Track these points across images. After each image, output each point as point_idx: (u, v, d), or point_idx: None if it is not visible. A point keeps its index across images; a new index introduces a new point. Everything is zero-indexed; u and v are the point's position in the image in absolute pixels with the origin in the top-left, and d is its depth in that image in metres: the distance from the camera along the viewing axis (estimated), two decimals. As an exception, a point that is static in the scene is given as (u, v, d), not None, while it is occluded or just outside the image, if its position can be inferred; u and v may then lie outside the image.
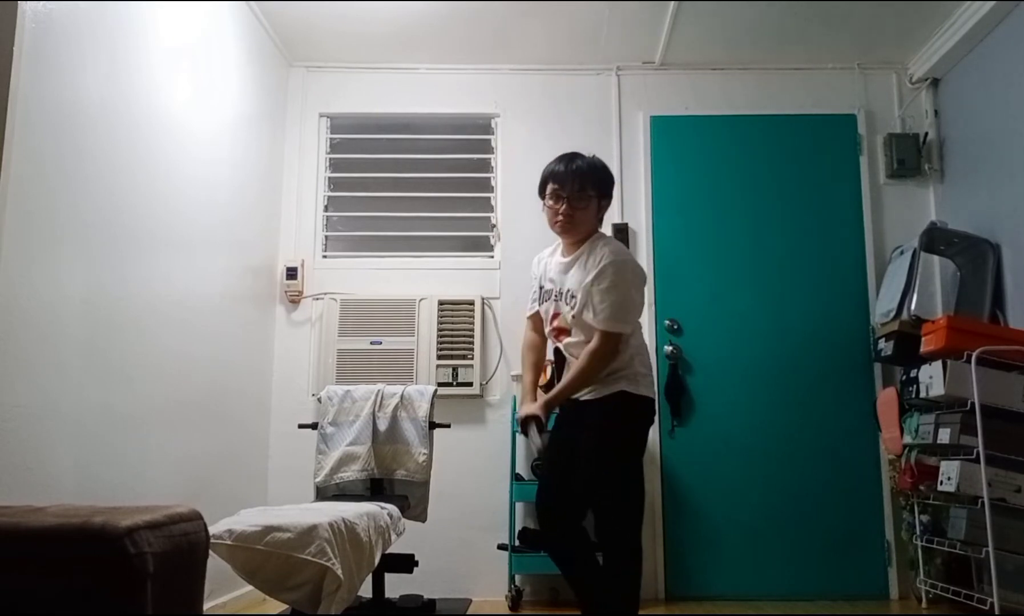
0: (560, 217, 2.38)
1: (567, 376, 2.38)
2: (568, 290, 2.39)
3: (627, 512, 2.33)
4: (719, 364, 3.85)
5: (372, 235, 4.08)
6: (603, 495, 2.29)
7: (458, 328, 3.85)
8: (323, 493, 3.15)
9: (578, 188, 2.36)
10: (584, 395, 2.37)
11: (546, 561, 2.43)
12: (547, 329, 2.50)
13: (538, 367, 2.58)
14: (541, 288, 2.53)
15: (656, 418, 3.76)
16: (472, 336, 3.84)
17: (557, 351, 2.52)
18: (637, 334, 2.41)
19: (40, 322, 2.16)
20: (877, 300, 3.80)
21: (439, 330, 3.84)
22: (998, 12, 3.36)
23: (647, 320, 3.84)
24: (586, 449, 2.31)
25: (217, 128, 3.29)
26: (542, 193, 2.45)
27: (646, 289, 2.58)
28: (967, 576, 3.20)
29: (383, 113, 4.15)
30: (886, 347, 3.56)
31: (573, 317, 2.36)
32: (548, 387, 2.96)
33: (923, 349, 3.23)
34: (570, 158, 2.41)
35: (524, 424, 2.35)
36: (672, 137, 4.06)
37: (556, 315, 2.44)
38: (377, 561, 2.57)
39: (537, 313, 2.55)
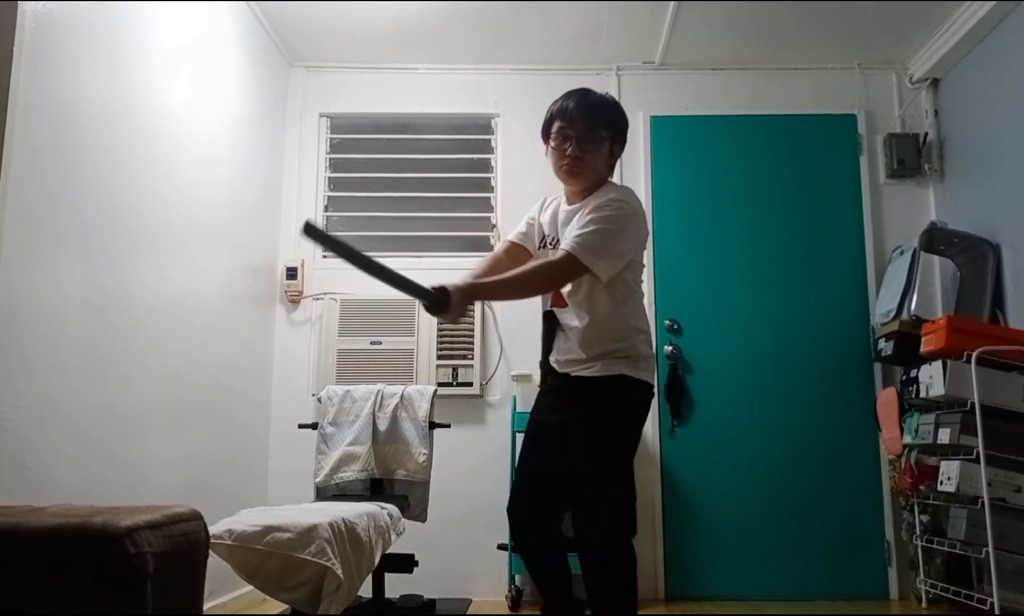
0: (567, 159, 2.09)
1: (503, 275, 2.04)
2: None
3: (621, 514, 2.05)
4: (719, 364, 3.85)
5: (372, 235, 4.07)
6: (594, 494, 2.00)
7: (458, 328, 3.85)
8: (323, 493, 3.15)
9: (588, 126, 2.09)
10: (578, 370, 2.06)
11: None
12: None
13: (494, 265, 2.19)
14: (543, 235, 2.21)
15: (656, 418, 3.81)
16: (472, 336, 3.84)
17: (550, 314, 2.13)
18: (637, 304, 2.11)
19: (40, 322, 2.16)
20: (877, 300, 3.80)
21: (439, 330, 3.83)
22: (998, 12, 3.36)
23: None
24: (579, 441, 2.01)
25: (217, 128, 3.29)
26: (546, 134, 2.18)
27: (644, 276, 2.24)
28: (967, 576, 3.20)
29: (383, 113, 4.15)
30: (886, 347, 3.56)
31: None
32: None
33: (923, 349, 3.23)
34: (581, 94, 2.15)
35: (439, 298, 1.89)
36: (672, 137, 4.06)
37: None
38: (377, 561, 2.57)
39: (515, 244, 2.24)
